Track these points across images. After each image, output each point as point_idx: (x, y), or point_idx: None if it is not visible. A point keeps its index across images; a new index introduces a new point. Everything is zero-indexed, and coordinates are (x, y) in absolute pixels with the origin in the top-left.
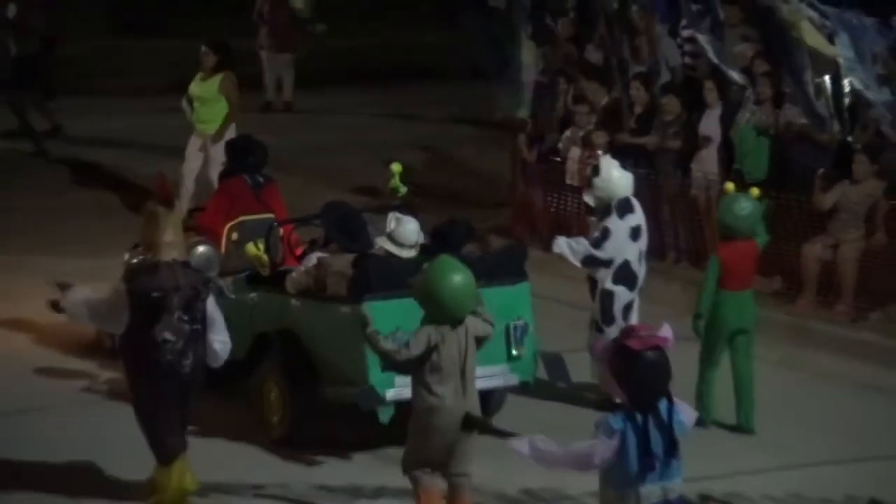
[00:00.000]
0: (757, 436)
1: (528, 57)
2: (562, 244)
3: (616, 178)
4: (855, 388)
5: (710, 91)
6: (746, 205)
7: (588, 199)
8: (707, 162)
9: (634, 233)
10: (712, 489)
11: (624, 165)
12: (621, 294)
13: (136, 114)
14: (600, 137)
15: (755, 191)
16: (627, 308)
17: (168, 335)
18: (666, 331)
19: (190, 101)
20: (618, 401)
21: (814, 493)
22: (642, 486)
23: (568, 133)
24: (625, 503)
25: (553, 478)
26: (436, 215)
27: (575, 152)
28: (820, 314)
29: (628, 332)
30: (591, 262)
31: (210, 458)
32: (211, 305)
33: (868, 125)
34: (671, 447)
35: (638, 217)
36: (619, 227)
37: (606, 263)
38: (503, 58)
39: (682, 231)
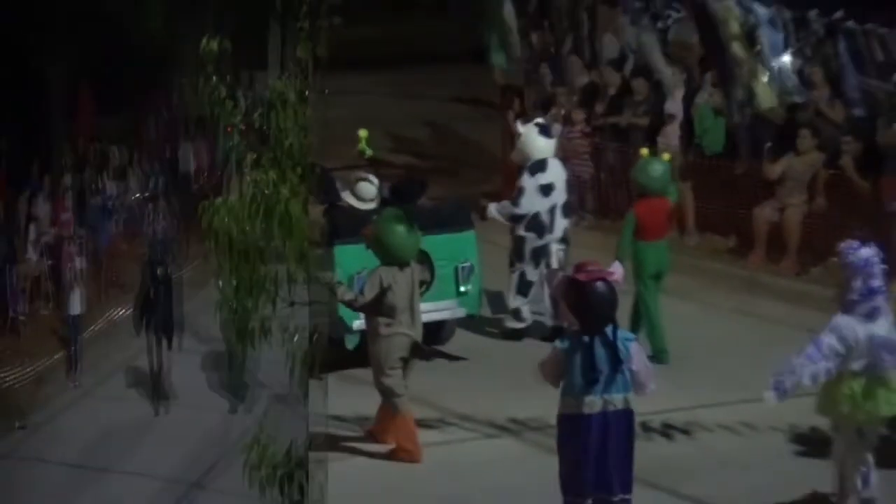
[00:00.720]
0: (714, 373)
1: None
2: (492, 210)
3: (533, 142)
4: (799, 332)
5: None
6: (658, 167)
7: (513, 158)
8: (671, 136)
9: (544, 189)
10: (674, 419)
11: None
12: (531, 239)
13: None
14: (579, 115)
15: (667, 155)
16: (538, 251)
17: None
18: (615, 268)
19: None
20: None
21: (762, 423)
22: (586, 396)
23: (551, 112)
24: (571, 409)
25: (538, 408)
26: (433, 182)
27: (557, 128)
28: (769, 268)
29: (579, 267)
30: (515, 218)
31: None
32: None
33: (809, 106)
34: (615, 363)
35: (549, 176)
36: (529, 183)
37: (525, 217)
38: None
39: None
